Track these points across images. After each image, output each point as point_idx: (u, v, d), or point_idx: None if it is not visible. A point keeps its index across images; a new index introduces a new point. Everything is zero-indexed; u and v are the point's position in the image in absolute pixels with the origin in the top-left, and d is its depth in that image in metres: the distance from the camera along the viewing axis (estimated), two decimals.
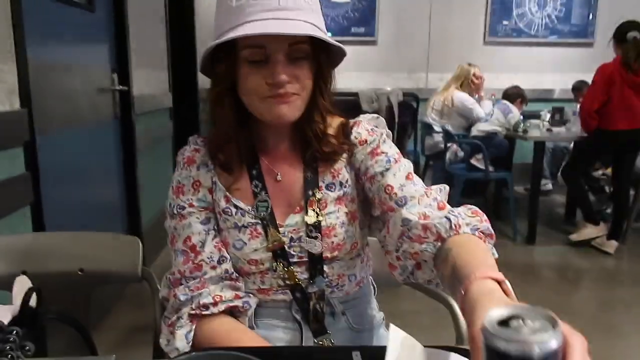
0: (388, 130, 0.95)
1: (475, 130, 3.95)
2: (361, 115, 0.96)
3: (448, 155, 4.01)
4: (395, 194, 0.83)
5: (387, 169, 0.86)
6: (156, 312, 1.03)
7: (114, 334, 2.30)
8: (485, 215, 0.82)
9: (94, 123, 2.39)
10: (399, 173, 0.86)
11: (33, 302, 0.94)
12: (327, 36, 0.81)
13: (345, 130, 0.92)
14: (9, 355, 0.61)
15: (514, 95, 4.18)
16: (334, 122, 0.92)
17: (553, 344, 0.40)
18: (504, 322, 0.42)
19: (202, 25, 4.41)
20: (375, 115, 0.97)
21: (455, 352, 0.67)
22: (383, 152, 0.89)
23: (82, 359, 0.85)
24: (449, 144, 4.01)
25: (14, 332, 0.65)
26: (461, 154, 4.01)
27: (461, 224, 0.77)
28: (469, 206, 0.83)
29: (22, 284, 0.95)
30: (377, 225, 0.90)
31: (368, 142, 0.90)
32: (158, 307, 1.03)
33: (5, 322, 0.71)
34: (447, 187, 0.88)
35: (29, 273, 1.02)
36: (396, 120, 4.07)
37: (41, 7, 1.87)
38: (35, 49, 1.73)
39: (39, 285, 0.94)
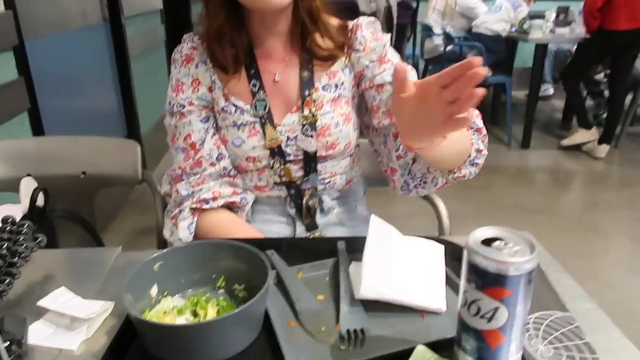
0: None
1: (482, 27, 3.82)
2: (360, 18, 0.95)
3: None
4: None
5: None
6: (157, 210, 1.09)
7: (121, 236, 2.43)
8: (477, 111, 0.83)
9: (83, 26, 2.32)
10: None
11: (41, 201, 0.99)
12: None
13: (344, 32, 0.92)
14: (24, 245, 0.67)
15: None
16: (333, 21, 0.91)
17: (527, 266, 0.44)
18: (487, 242, 0.46)
19: None
20: (372, 18, 0.96)
21: (431, 239, 0.73)
22: (390, 60, 0.90)
23: (90, 250, 0.92)
24: (448, 47, 3.91)
25: (26, 225, 0.70)
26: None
27: None
28: None
29: (28, 185, 1.00)
30: (378, 137, 0.93)
31: (374, 48, 0.91)
32: (159, 205, 1.09)
33: (17, 219, 0.76)
34: None
35: (33, 176, 1.07)
36: (394, 21, 3.92)
37: None
38: None
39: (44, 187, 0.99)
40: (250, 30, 0.90)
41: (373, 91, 0.90)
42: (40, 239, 0.71)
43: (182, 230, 0.88)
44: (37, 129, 1.73)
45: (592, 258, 2.31)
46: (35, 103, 1.72)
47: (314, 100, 0.89)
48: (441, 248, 0.72)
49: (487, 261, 0.44)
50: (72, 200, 1.16)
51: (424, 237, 0.74)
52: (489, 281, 0.44)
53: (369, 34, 0.92)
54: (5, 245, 0.67)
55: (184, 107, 0.89)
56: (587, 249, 2.38)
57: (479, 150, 0.84)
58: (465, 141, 0.81)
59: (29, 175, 1.08)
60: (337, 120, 0.90)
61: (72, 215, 1.05)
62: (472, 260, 0.45)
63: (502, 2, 3.85)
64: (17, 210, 0.92)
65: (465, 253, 0.46)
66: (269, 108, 0.89)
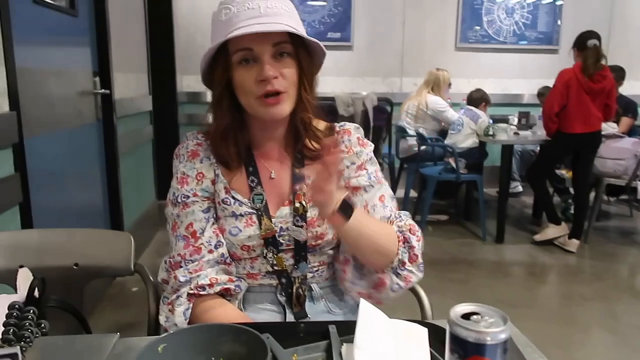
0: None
1: (455, 146, 4.01)
2: (347, 124, 1.07)
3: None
4: (367, 211, 0.99)
5: (371, 186, 1.01)
6: (149, 298, 1.12)
7: (102, 331, 2.35)
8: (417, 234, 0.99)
9: (78, 125, 2.44)
10: (377, 193, 1.01)
11: (36, 292, 1.01)
12: (308, 37, 0.93)
13: (331, 132, 1.04)
14: (30, 330, 0.70)
15: (478, 99, 4.29)
16: (321, 125, 1.04)
17: (502, 336, 0.51)
18: (466, 316, 0.54)
19: (180, 30, 4.47)
20: (357, 125, 1.09)
21: (419, 324, 0.78)
22: (366, 169, 1.03)
23: (87, 336, 0.93)
24: (422, 147, 4.16)
25: (31, 311, 0.73)
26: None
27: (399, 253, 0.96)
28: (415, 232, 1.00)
29: (25, 275, 1.03)
30: None
31: (357, 152, 1.03)
32: (152, 295, 1.12)
33: None
34: (409, 214, 1.05)
35: (26, 267, 1.09)
36: (371, 124, 4.20)
37: (27, 12, 1.93)
38: (22, 54, 1.79)
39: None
40: (250, 133, 1.01)
41: (349, 191, 1.00)
42: (43, 324, 0.74)
43: (178, 316, 0.91)
44: (27, 222, 1.76)
45: (571, 350, 2.32)
46: (27, 197, 1.77)
47: (304, 194, 0.98)
48: (425, 330, 0.77)
49: (467, 332, 0.50)
50: (63, 291, 1.17)
51: (409, 320, 0.79)
52: (470, 350, 0.50)
53: (356, 139, 1.04)
54: (12, 330, 0.70)
55: (188, 197, 0.97)
56: (565, 341, 2.40)
57: (402, 263, 0.96)
58: (389, 242, 0.96)
59: (21, 266, 1.11)
60: None
61: (65, 305, 1.07)
62: (453, 332, 0.51)
63: (461, 119, 4.12)
64: (15, 300, 0.94)
65: (447, 326, 0.53)
66: (266, 201, 0.97)
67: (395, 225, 0.99)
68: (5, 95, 1.67)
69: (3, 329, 0.70)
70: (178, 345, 0.67)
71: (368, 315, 0.73)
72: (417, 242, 0.97)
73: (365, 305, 0.75)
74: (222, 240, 0.97)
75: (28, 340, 0.69)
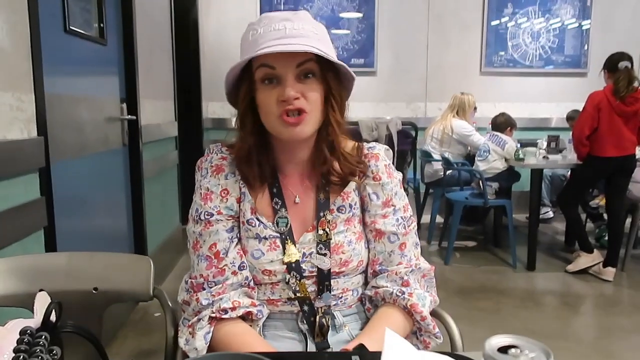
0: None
1: (485, 174, 3.84)
2: (376, 146, 1.04)
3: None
4: (381, 263, 0.99)
5: (396, 236, 0.99)
6: (167, 325, 1.08)
7: (120, 358, 2.33)
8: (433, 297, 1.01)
9: (104, 151, 2.48)
10: (398, 242, 0.98)
11: (53, 316, 0.99)
12: (333, 58, 0.91)
13: (359, 153, 1.00)
14: (40, 357, 0.67)
15: (503, 124, 4.10)
16: (348, 146, 1.00)
17: None
18: (504, 350, 0.48)
19: (206, 57, 4.56)
20: (387, 147, 1.05)
21: (448, 355, 0.73)
22: (393, 206, 0.99)
23: None
24: (448, 171, 4.08)
25: (43, 336, 0.70)
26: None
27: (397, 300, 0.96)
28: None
29: (43, 299, 1.01)
30: None
31: (383, 184, 0.99)
32: (170, 321, 1.08)
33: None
34: (428, 266, 1.02)
35: (46, 291, 1.08)
36: (395, 148, 4.15)
37: (58, 41, 1.98)
38: (51, 81, 1.83)
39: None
40: (275, 155, 0.98)
41: (371, 234, 0.99)
42: (55, 351, 0.71)
43: (199, 340, 0.87)
44: (51, 246, 1.77)
45: None
46: (52, 221, 1.78)
47: (329, 221, 0.95)
48: None
49: None
50: (81, 316, 1.15)
51: (437, 352, 0.74)
52: None
53: (383, 166, 1.00)
54: (22, 357, 0.67)
55: (212, 215, 0.94)
56: None
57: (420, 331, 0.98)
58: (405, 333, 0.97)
59: (41, 290, 1.10)
60: (350, 239, 0.95)
61: (82, 331, 1.04)
62: None
63: (487, 145, 3.94)
64: (30, 324, 0.92)
65: None
66: (290, 225, 0.94)
67: (401, 304, 0.96)
68: (33, 120, 1.70)
69: (13, 355, 0.67)
70: None
71: (394, 346, 0.68)
72: (430, 304, 0.99)
73: (390, 335, 0.70)
74: (246, 261, 0.94)
75: None
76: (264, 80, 0.90)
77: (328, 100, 0.94)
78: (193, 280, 0.94)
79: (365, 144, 1.04)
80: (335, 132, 0.96)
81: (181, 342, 0.91)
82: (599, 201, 4.15)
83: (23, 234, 1.62)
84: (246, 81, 0.92)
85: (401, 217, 0.99)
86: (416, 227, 1.03)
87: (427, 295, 0.98)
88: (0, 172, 1.51)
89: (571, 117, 4.60)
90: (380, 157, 1.01)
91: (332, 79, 0.93)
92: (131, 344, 2.47)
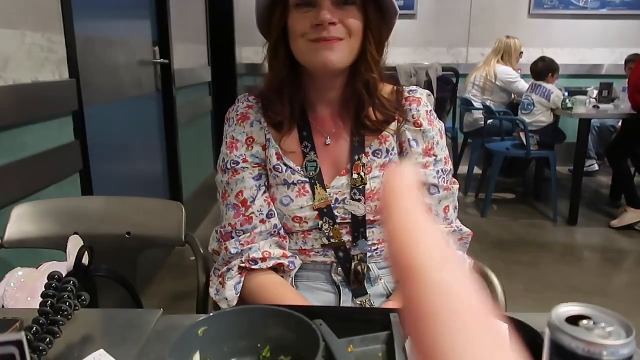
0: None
1: (530, 126, 3.61)
2: (418, 90, 0.95)
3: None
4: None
5: (436, 188, 0.91)
6: (199, 272, 1.07)
7: (157, 300, 2.40)
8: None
9: (137, 95, 2.45)
10: (443, 202, 0.92)
11: (85, 260, 0.99)
12: None
13: (399, 97, 0.92)
14: (67, 303, 0.65)
15: (543, 70, 3.72)
16: (386, 89, 0.92)
17: (624, 351, 0.38)
18: (573, 320, 0.41)
19: (239, 1, 4.41)
20: (428, 92, 0.97)
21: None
22: (435, 156, 0.91)
23: (131, 310, 0.89)
24: (489, 121, 3.90)
25: (71, 282, 0.68)
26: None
27: None
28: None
29: (75, 242, 1.01)
30: None
31: (424, 130, 0.91)
32: (201, 268, 1.07)
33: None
34: (468, 230, 0.97)
35: (80, 234, 1.08)
36: (434, 95, 3.99)
37: None
38: (82, 22, 1.78)
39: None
40: (305, 93, 0.91)
41: None
42: (83, 297, 0.69)
43: (229, 290, 0.85)
44: (87, 190, 1.78)
45: None
46: (87, 165, 1.78)
47: (364, 165, 0.88)
48: (504, 327, 0.66)
49: (576, 342, 0.39)
50: (115, 260, 1.15)
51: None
52: None
53: (425, 112, 0.92)
54: (49, 302, 0.65)
55: (237, 163, 0.89)
56: None
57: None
58: None
59: (75, 233, 1.09)
60: None
61: (115, 275, 1.04)
62: (556, 340, 0.40)
63: (529, 99, 3.69)
64: (62, 268, 0.91)
65: (547, 331, 0.41)
66: (320, 169, 0.88)
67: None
68: (65, 62, 1.67)
69: (41, 299, 0.66)
70: (220, 328, 0.60)
71: None
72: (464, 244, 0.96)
73: None
74: (274, 209, 0.90)
75: (65, 313, 0.64)
76: (298, 4, 0.83)
77: (366, 35, 0.85)
78: (222, 230, 0.91)
79: (406, 87, 0.96)
80: (372, 69, 0.87)
81: (211, 291, 0.89)
82: None
83: (59, 177, 1.63)
84: (279, 5, 0.85)
85: (442, 170, 0.91)
86: (457, 187, 0.95)
87: (466, 257, 0.92)
88: (34, 114, 1.50)
89: (631, 59, 4.25)
90: (422, 101, 0.93)
91: (373, 11, 0.85)
92: (167, 287, 2.53)
